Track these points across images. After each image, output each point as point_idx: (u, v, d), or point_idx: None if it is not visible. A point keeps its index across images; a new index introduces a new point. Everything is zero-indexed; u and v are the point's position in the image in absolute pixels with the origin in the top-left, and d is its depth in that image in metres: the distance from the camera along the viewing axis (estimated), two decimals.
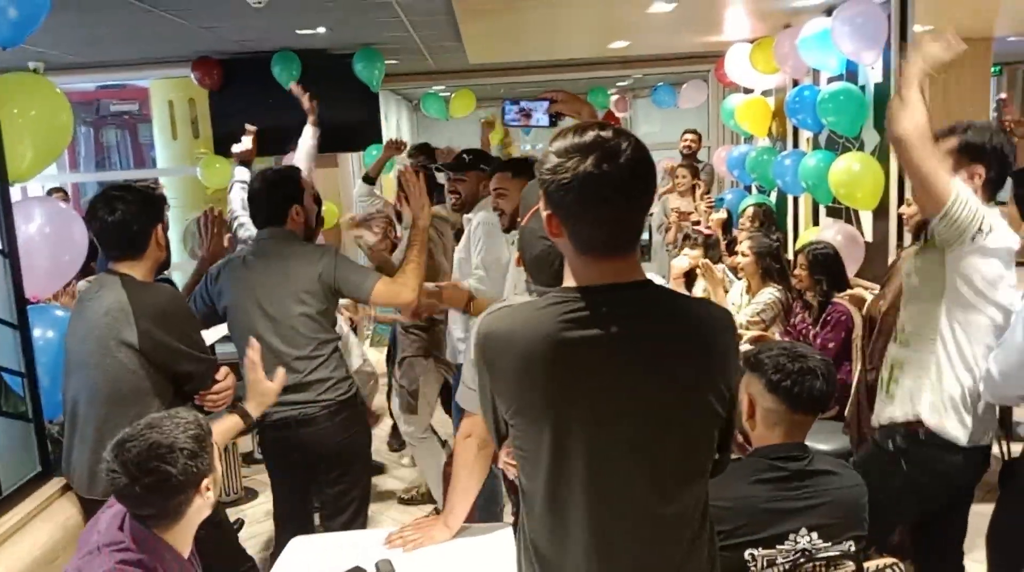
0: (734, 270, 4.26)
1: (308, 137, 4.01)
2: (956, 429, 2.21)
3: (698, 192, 5.95)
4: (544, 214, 1.34)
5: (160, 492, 1.66)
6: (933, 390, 2.23)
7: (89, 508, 2.36)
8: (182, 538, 1.76)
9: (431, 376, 3.86)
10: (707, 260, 4.13)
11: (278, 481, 2.91)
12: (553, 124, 2.47)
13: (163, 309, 2.32)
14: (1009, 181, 2.39)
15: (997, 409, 2.31)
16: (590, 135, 1.28)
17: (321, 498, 2.85)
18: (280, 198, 2.78)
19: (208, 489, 1.73)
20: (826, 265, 3.61)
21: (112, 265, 2.39)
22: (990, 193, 2.28)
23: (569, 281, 1.37)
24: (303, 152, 3.99)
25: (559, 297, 1.35)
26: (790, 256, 4.87)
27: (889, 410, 2.33)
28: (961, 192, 2.11)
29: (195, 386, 2.41)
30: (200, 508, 1.74)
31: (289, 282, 2.68)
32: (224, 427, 2.14)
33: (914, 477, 2.26)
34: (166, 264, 2.52)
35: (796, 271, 3.72)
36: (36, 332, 2.59)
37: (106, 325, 2.28)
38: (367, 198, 4.51)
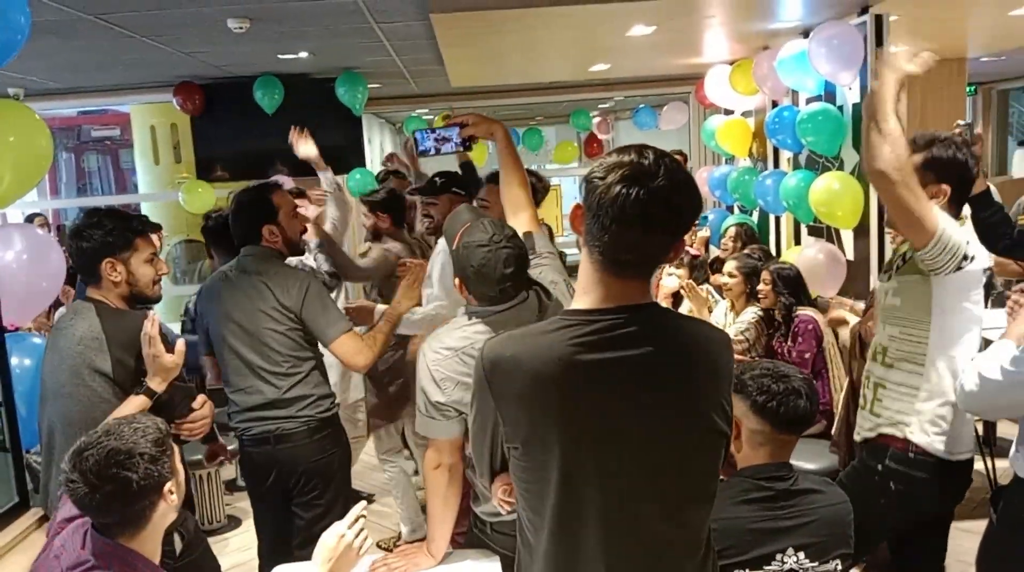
0: (719, 290, 4.27)
1: (326, 184, 4.04)
2: (945, 445, 2.23)
3: None
4: (574, 203, 1.34)
5: (122, 499, 1.62)
6: (922, 410, 2.24)
7: None
8: (150, 545, 1.71)
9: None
10: (691, 281, 4.16)
11: (258, 504, 2.87)
12: (468, 148, 2.45)
13: (137, 336, 2.28)
14: (967, 207, 2.41)
15: (981, 424, 2.30)
16: (634, 155, 1.28)
17: (296, 523, 2.80)
18: (249, 219, 2.77)
19: (172, 493, 1.70)
20: (788, 282, 3.73)
21: (89, 291, 2.36)
22: (955, 211, 2.28)
23: (579, 301, 1.37)
24: (330, 204, 4.01)
25: (567, 320, 1.34)
26: None
27: (875, 428, 2.33)
28: (947, 226, 2.11)
29: (170, 414, 2.35)
30: (165, 513, 1.70)
31: (262, 299, 2.66)
32: (131, 408, 2.13)
33: (902, 496, 2.26)
34: (148, 298, 2.45)
35: (760, 287, 3.78)
36: (13, 360, 2.56)
37: (79, 353, 2.24)
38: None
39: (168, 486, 1.68)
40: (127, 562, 1.66)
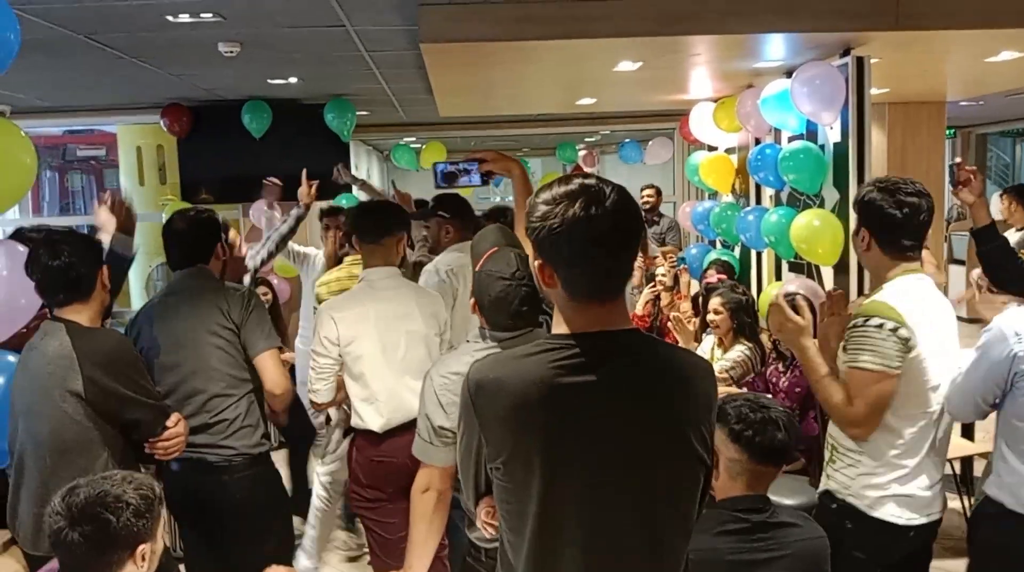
0: (704, 326, 4.24)
1: (292, 218, 4.10)
2: (896, 513, 2.20)
3: (651, 243, 6.04)
4: (535, 264, 1.36)
5: (95, 542, 1.62)
6: (871, 475, 2.21)
7: (35, 565, 2.26)
8: None
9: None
10: (678, 314, 4.14)
11: (192, 545, 2.74)
12: (485, 183, 2.52)
13: (109, 355, 2.26)
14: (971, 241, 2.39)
15: (958, 464, 2.25)
16: (575, 183, 1.31)
17: (234, 561, 2.62)
18: (207, 236, 2.76)
19: (144, 559, 1.68)
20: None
21: (57, 311, 2.33)
22: (893, 251, 2.24)
23: (559, 328, 1.38)
24: (277, 232, 4.08)
25: (550, 344, 1.36)
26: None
27: (834, 485, 2.30)
28: (868, 381, 2.13)
29: (144, 434, 2.34)
30: None
31: (203, 314, 2.60)
32: None
33: (858, 556, 2.22)
34: (108, 310, 2.47)
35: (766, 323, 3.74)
36: None
37: (49, 374, 2.22)
38: None
39: (142, 549, 1.67)
40: None
